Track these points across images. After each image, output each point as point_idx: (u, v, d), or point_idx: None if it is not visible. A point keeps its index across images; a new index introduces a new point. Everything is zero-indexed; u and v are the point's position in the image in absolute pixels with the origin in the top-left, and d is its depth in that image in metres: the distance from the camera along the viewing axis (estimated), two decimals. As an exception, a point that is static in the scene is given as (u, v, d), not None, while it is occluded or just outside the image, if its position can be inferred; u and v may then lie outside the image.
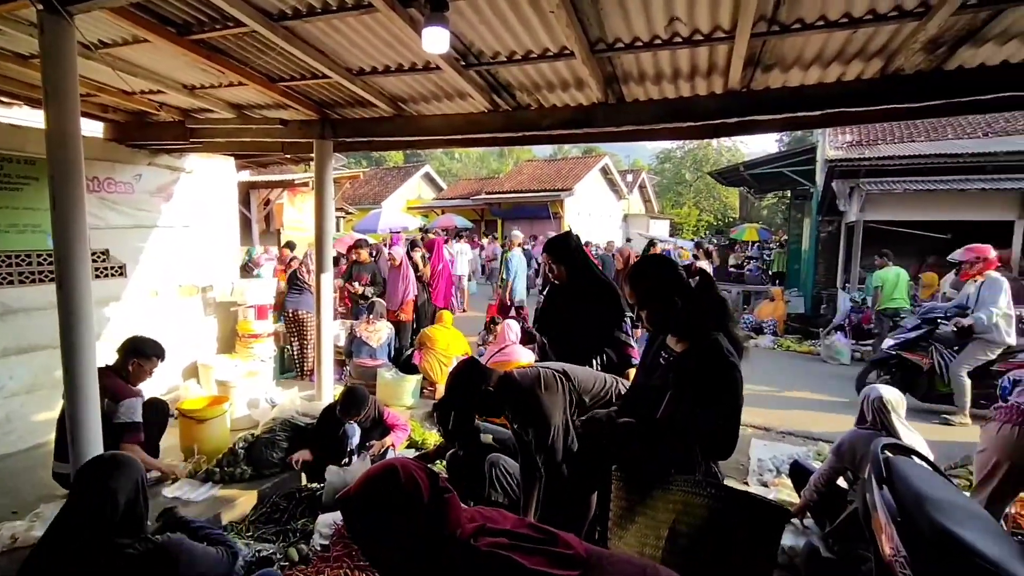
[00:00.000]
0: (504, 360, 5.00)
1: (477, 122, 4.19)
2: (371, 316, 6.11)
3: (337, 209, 14.75)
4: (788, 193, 17.10)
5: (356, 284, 7.22)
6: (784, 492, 3.74)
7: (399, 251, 7.10)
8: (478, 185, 25.56)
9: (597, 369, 2.97)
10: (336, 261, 7.51)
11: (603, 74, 3.42)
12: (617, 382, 2.61)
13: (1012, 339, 5.33)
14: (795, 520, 3.29)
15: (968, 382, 5.43)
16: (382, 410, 4.05)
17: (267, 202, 11.34)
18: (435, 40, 2.62)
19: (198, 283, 5.81)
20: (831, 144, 10.93)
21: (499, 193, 22.30)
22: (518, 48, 3.18)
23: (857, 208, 9.74)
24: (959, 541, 1.74)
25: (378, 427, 3.99)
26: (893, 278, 8.02)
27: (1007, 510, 2.93)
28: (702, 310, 1.96)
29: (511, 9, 2.75)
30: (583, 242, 4.15)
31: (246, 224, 10.93)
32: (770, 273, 16.08)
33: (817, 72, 3.18)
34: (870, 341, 8.57)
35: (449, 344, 5.91)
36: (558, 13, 2.57)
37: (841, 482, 3.19)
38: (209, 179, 6.01)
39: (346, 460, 3.68)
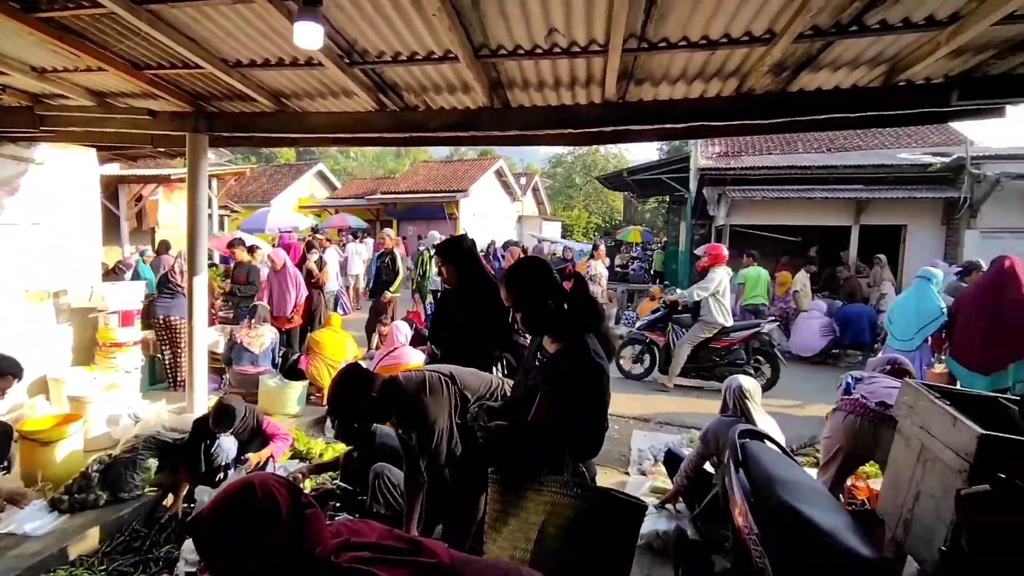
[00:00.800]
0: (393, 364, 4.89)
1: (364, 121, 4.08)
2: (253, 320, 5.70)
3: (221, 207, 13.75)
4: (667, 198, 18.42)
5: (229, 283, 6.76)
6: (660, 479, 3.96)
7: (281, 254, 6.63)
8: (373, 185, 24.91)
9: (500, 375, 2.99)
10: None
11: (488, 79, 3.46)
12: (503, 383, 2.63)
13: (724, 320, 6.60)
14: (668, 506, 3.49)
15: (684, 355, 6.68)
16: (261, 420, 3.83)
17: (139, 198, 10.31)
18: (308, 35, 2.52)
19: (49, 287, 5.11)
20: (702, 154, 12.08)
21: (395, 193, 21.96)
22: (403, 49, 3.14)
23: (724, 213, 10.71)
24: (800, 515, 1.93)
25: (256, 438, 3.77)
26: (754, 276, 8.85)
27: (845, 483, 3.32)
28: (574, 312, 1.99)
29: (394, 9, 2.70)
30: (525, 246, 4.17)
31: (114, 222, 9.93)
32: (651, 272, 17.21)
33: (683, 88, 3.44)
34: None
35: (338, 348, 5.68)
36: (440, 16, 2.57)
37: (708, 467, 3.43)
38: (64, 171, 5.36)
39: (221, 476, 3.44)
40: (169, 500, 3.50)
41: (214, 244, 9.45)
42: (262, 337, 5.58)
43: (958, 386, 4.24)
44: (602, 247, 10.00)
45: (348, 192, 25.63)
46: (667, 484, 3.75)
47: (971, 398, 2.36)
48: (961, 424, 1.91)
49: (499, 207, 25.17)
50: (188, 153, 4.39)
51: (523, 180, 29.24)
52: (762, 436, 2.74)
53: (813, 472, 3.99)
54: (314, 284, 7.31)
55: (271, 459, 3.75)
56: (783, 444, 3.01)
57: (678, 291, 7.30)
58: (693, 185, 12.75)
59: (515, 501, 1.83)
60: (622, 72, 3.24)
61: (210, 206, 12.18)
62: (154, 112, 4.27)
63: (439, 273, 3.27)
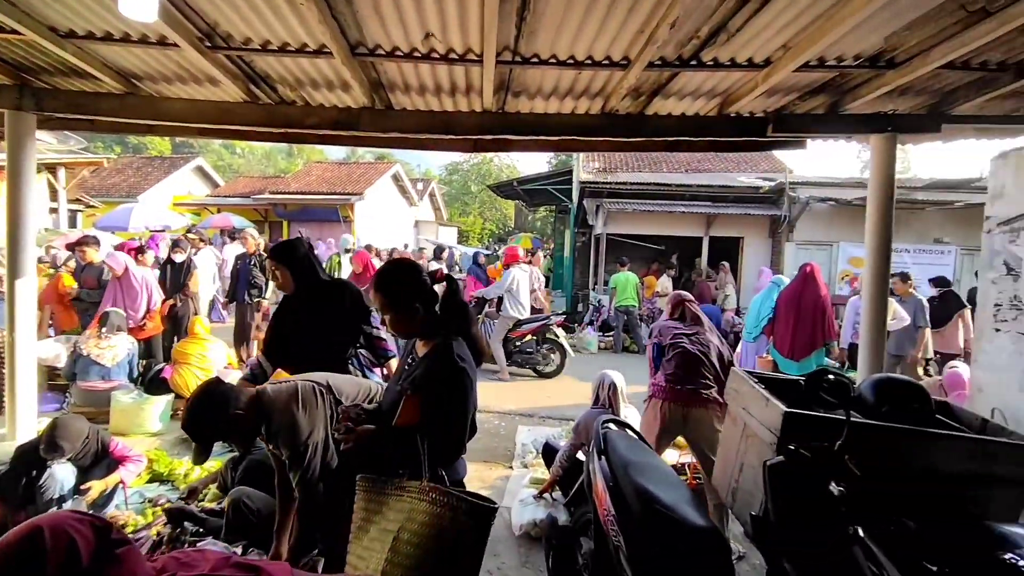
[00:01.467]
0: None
1: (231, 112, 3.84)
2: (104, 330, 5.05)
3: (71, 200, 12.13)
4: (555, 207, 19.34)
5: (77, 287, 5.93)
6: (539, 471, 4.16)
7: (121, 258, 5.82)
8: (261, 184, 23.20)
9: (356, 370, 2.93)
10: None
11: (368, 79, 3.43)
12: (381, 389, 2.59)
13: (517, 314, 7.45)
14: (545, 495, 3.68)
15: (500, 347, 7.37)
16: (108, 442, 3.41)
17: None
18: (137, 6, 2.31)
19: None
20: (583, 169, 13.12)
21: (285, 193, 20.62)
22: (272, 37, 3.01)
23: (602, 222, 11.64)
24: (647, 493, 2.13)
25: (100, 464, 3.34)
26: (623, 280, 9.67)
27: (691, 459, 3.71)
28: (445, 315, 1.98)
29: None
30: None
31: None
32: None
33: (556, 103, 3.69)
34: (611, 333, 10.12)
35: (206, 355, 5.25)
36: (308, 6, 2.49)
37: (581, 455, 3.65)
38: None
39: (54, 510, 2.98)
40: None
41: (64, 243, 8.23)
42: (115, 348, 4.97)
43: (779, 371, 4.99)
44: (539, 253, 10.51)
45: (232, 190, 23.60)
46: (546, 475, 3.93)
47: (786, 382, 2.77)
48: (772, 404, 2.25)
49: (396, 211, 24.64)
50: (7, 134, 3.83)
51: (420, 185, 28.94)
52: (623, 425, 2.98)
53: (673, 452, 4.44)
54: (183, 287, 6.62)
55: (121, 485, 3.37)
56: (640, 432, 3.32)
57: (483, 290, 8.16)
58: (575, 196, 13.61)
59: (377, 508, 1.80)
60: (499, 83, 3.40)
61: (56, 199, 10.79)
62: None
63: (273, 278, 2.99)
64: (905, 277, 6.61)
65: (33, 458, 3.09)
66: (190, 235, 11.67)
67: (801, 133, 3.79)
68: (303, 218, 20.40)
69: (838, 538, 1.49)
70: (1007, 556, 1.22)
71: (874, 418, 2.12)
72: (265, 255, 7.34)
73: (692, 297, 3.65)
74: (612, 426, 2.83)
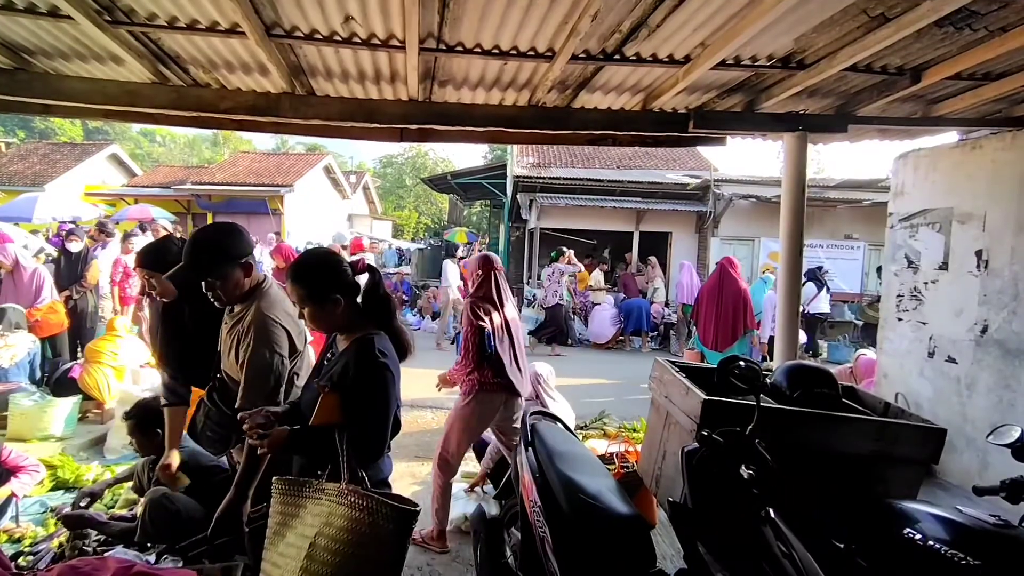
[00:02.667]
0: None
1: (137, 94, 3.55)
2: (0, 327, 4.63)
3: None
4: (490, 202, 19.37)
5: None
6: (470, 464, 4.13)
7: (10, 251, 5.39)
8: (183, 173, 21.82)
9: None
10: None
11: (287, 63, 3.26)
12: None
13: None
14: (476, 489, 3.66)
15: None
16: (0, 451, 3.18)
17: None
18: None
19: None
20: (517, 163, 13.21)
21: (209, 184, 19.52)
22: (179, 14, 2.78)
23: (535, 217, 11.78)
24: (571, 482, 2.14)
25: None
26: None
27: (619, 449, 3.79)
28: (366, 308, 1.92)
29: None
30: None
31: None
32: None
33: (483, 94, 3.63)
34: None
35: (119, 353, 4.92)
36: (214, -21, 2.33)
37: (511, 448, 3.66)
38: None
39: None
40: None
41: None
42: (13, 348, 4.56)
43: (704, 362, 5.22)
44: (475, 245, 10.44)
45: (151, 180, 22.04)
46: (477, 469, 3.92)
47: (708, 371, 2.87)
48: (692, 392, 2.32)
49: (328, 204, 23.94)
50: None
51: (353, 178, 28.20)
52: (552, 417, 3.00)
53: (600, 442, 4.53)
54: (81, 280, 6.15)
55: (13, 497, 3.15)
56: (569, 423, 3.35)
57: None
58: (510, 191, 13.69)
59: (294, 512, 1.70)
60: (425, 72, 3.31)
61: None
62: None
63: (149, 288, 2.62)
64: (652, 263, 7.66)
65: None
66: (86, 227, 10.78)
67: (720, 130, 3.93)
68: (229, 210, 19.50)
69: (749, 519, 1.54)
70: (906, 532, 1.29)
71: (788, 404, 2.23)
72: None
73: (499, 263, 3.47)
74: (541, 418, 2.85)
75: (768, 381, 2.28)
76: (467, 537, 3.27)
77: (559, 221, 12.22)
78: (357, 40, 2.96)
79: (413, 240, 30.49)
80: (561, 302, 9.21)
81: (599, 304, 10.11)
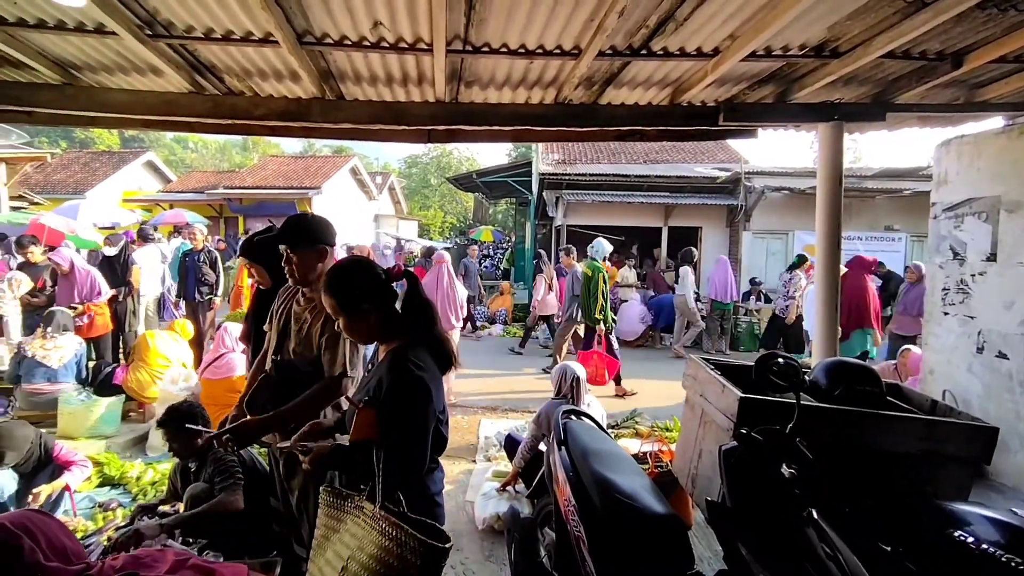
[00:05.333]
0: (222, 376, 4.45)
1: (176, 103, 3.69)
2: (49, 330, 4.82)
3: (15, 198, 11.64)
4: (515, 200, 19.39)
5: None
6: (502, 464, 4.15)
7: (66, 254, 5.64)
8: (216, 178, 22.44)
9: None
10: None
11: (318, 69, 3.34)
12: None
13: None
14: (508, 488, 3.67)
15: None
16: (51, 446, 3.30)
17: None
18: None
19: None
20: (543, 160, 13.11)
21: (240, 188, 20.03)
22: (215, 25, 2.88)
23: (562, 214, 11.69)
24: (606, 481, 2.13)
25: (44, 470, 3.24)
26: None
27: (652, 448, 3.75)
28: (404, 316, 1.83)
29: None
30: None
31: None
32: (501, 270, 17.99)
33: (509, 93, 3.65)
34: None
35: (169, 356, 5.04)
36: (250, -10, 2.39)
37: (543, 447, 3.65)
38: None
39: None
40: None
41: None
42: (62, 349, 4.74)
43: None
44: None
45: (185, 185, 22.74)
46: (509, 468, 3.92)
47: (743, 368, 2.82)
48: (728, 389, 2.28)
49: (355, 205, 24.27)
50: None
51: (379, 179, 28.53)
52: (583, 415, 2.98)
53: (632, 441, 4.49)
54: (127, 283, 6.39)
55: (67, 491, 3.26)
56: (601, 421, 3.33)
57: None
58: (535, 188, 13.62)
59: (335, 526, 1.67)
60: (451, 73, 3.34)
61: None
62: None
63: (250, 275, 2.97)
64: (568, 251, 7.86)
65: None
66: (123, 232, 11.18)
67: (751, 122, 3.86)
68: (259, 213, 19.91)
69: (792, 520, 1.51)
70: (957, 534, 1.24)
71: (828, 401, 2.17)
72: (215, 251, 7.14)
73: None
74: (573, 417, 2.84)
75: (807, 379, 2.23)
76: (500, 536, 3.27)
77: (586, 218, 12.05)
78: (385, 44, 3.01)
79: (441, 239, 30.63)
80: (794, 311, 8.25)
81: (627, 301, 10.01)
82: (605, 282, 6.36)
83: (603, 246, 6.77)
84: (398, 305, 1.87)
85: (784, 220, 11.31)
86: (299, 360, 2.29)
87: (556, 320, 8.32)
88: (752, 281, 10.26)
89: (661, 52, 3.02)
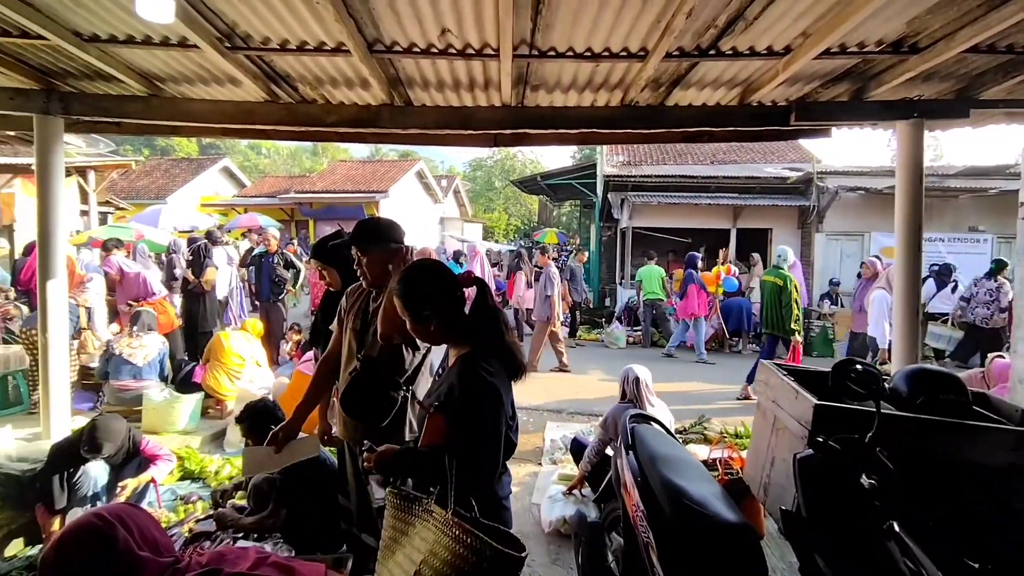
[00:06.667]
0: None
1: (253, 112, 3.88)
2: (135, 328, 5.18)
3: (103, 203, 12.32)
4: (579, 202, 19.29)
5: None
6: (568, 467, 4.13)
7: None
8: (287, 183, 23.54)
9: None
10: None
11: (387, 76, 3.45)
12: None
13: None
14: (575, 491, 3.67)
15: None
16: (139, 440, 3.46)
17: None
18: (153, 7, 2.32)
19: None
20: (607, 162, 13.04)
21: (310, 192, 20.86)
22: (290, 37, 3.03)
23: (627, 216, 11.59)
24: (675, 487, 2.09)
25: (132, 462, 3.40)
26: (647, 274, 9.57)
27: (722, 455, 3.66)
28: (474, 323, 1.81)
29: None
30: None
31: None
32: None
33: (575, 96, 3.65)
34: (640, 328, 10.05)
35: (243, 355, 5.28)
36: (324, 5, 2.50)
37: (610, 451, 3.62)
38: None
39: (89, 508, 3.04)
40: (15, 546, 3.04)
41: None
42: (146, 348, 5.05)
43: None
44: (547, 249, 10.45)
45: (259, 190, 24.03)
46: (575, 471, 3.91)
47: (817, 374, 2.70)
48: (801, 396, 2.20)
49: (420, 208, 24.76)
50: (36, 139, 3.85)
51: (444, 182, 28.92)
52: (650, 419, 2.95)
53: (701, 447, 4.39)
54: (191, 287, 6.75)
55: (153, 483, 3.43)
56: (668, 425, 3.27)
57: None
58: (600, 190, 13.54)
59: (404, 529, 1.67)
60: (517, 77, 3.38)
61: (87, 202, 10.99)
62: None
63: (320, 278, 3.00)
64: (544, 250, 7.95)
65: (69, 456, 3.15)
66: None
67: (825, 121, 3.71)
68: (329, 217, 20.57)
69: (872, 533, 1.45)
70: (1048, 552, 1.16)
71: (909, 410, 2.05)
72: (288, 253, 7.52)
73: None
74: (640, 421, 2.81)
75: (887, 386, 2.12)
76: (566, 540, 3.26)
77: (651, 220, 11.88)
78: (453, 51, 3.08)
79: (505, 241, 30.81)
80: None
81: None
82: (798, 290, 6.13)
83: (788, 254, 6.50)
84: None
85: (860, 221, 10.73)
86: (383, 356, 2.35)
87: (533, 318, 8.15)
88: (831, 282, 9.85)
89: (730, 52, 2.96)
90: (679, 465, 2.27)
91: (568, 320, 9.69)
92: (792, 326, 5.96)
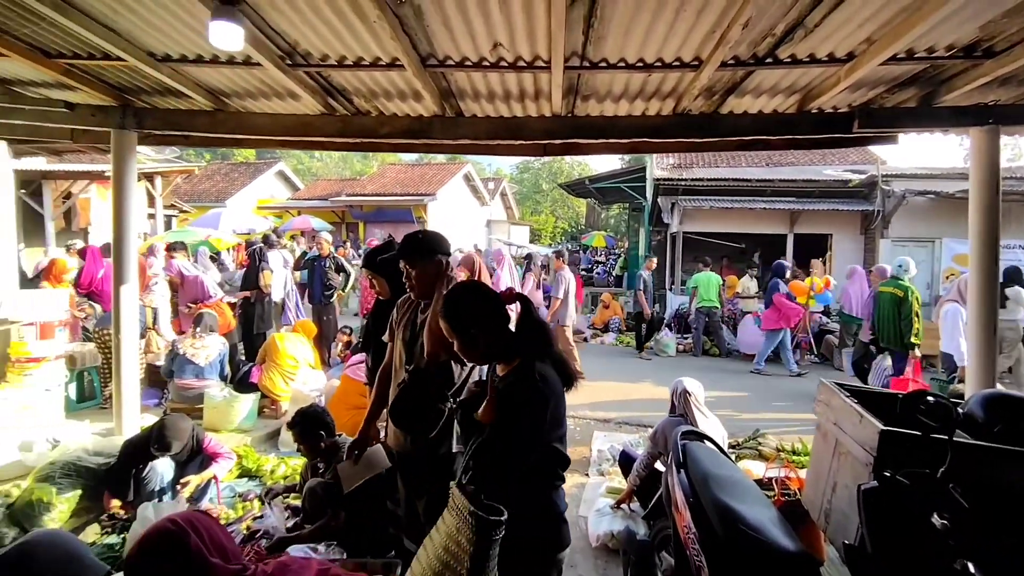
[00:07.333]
0: (359, 378, 4.78)
1: (310, 124, 4.02)
2: (198, 330, 5.45)
3: (168, 206, 13.12)
4: (628, 204, 19.01)
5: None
6: (616, 480, 4.07)
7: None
8: (339, 186, 24.24)
9: None
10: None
11: (439, 88, 3.51)
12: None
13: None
14: (623, 506, 3.61)
15: None
16: (202, 438, 3.62)
17: (68, 196, 9.72)
18: (225, 35, 2.41)
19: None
20: (657, 165, 12.74)
21: (361, 195, 21.41)
22: (348, 53, 3.13)
23: (677, 220, 11.28)
24: (730, 511, 2.03)
25: (196, 459, 3.56)
26: (706, 280, 9.26)
27: (778, 474, 3.52)
28: (521, 337, 1.85)
29: (334, 13, 2.67)
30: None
31: (38, 221, 9.36)
32: (614, 276, 17.72)
33: (626, 105, 3.61)
34: (690, 335, 9.78)
35: (297, 356, 5.47)
36: (381, 23, 2.57)
37: (659, 466, 3.54)
38: None
39: (157, 502, 3.18)
40: (90, 532, 3.20)
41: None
42: (208, 348, 5.29)
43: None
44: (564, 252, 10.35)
45: (311, 193, 24.84)
46: (623, 484, 3.85)
47: (881, 395, 2.57)
48: (866, 420, 2.09)
49: (468, 211, 25.03)
50: (113, 152, 4.08)
51: (491, 185, 29.06)
52: (702, 436, 2.87)
53: (755, 463, 4.24)
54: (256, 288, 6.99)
55: (214, 480, 3.59)
56: (722, 443, 3.18)
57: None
58: (650, 194, 13.26)
59: (444, 518, 1.70)
60: (568, 88, 3.37)
61: (153, 205, 11.65)
62: (72, 105, 3.97)
63: (370, 286, 3.13)
64: (559, 254, 7.97)
65: (139, 453, 3.32)
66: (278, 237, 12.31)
67: (891, 128, 3.52)
68: (378, 219, 21.04)
69: (944, 573, 1.37)
70: None
71: (986, 439, 1.93)
72: (340, 257, 7.77)
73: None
74: (691, 438, 2.74)
75: (961, 412, 1.99)
76: (614, 555, 3.21)
77: (703, 224, 11.51)
78: (504, 64, 3.11)
79: (550, 245, 30.69)
80: None
81: (749, 312, 9.42)
82: (919, 302, 5.96)
83: (909, 264, 6.28)
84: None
85: (929, 226, 10.06)
86: (431, 367, 2.40)
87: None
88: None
89: (788, 60, 2.86)
90: (734, 487, 2.20)
91: (645, 332, 9.46)
92: (912, 340, 5.73)
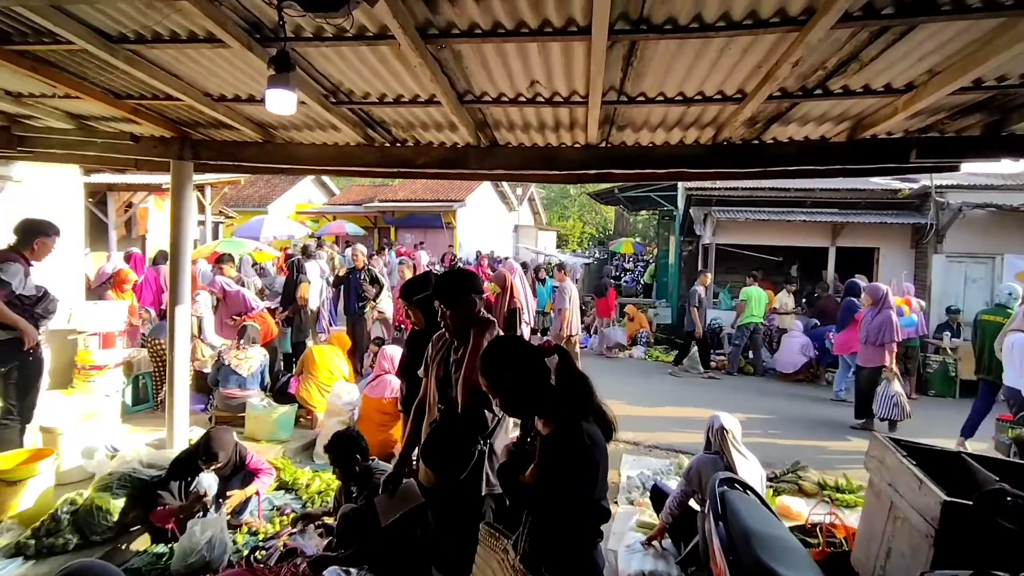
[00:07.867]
0: (377, 395, 4.84)
1: (350, 154, 4.14)
2: (242, 341, 5.62)
3: (216, 214, 13.69)
4: (658, 211, 18.62)
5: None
6: (647, 513, 3.97)
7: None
8: (372, 192, 24.73)
9: None
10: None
11: (474, 120, 3.54)
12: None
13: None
14: (654, 543, 3.52)
15: None
16: (245, 454, 3.74)
17: (129, 206, 10.28)
18: (280, 102, 2.51)
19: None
20: None
21: (392, 201, 21.87)
22: (388, 92, 3.21)
23: (710, 232, 10.92)
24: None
25: (238, 474, 3.68)
26: (756, 296, 8.96)
27: (822, 520, 3.37)
28: (561, 388, 1.83)
29: (379, 61, 2.77)
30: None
31: (102, 228, 9.91)
32: (642, 285, 17.35)
33: (663, 134, 3.53)
34: (723, 351, 9.47)
35: (333, 369, 5.60)
36: (422, 68, 2.62)
37: (693, 504, 3.45)
38: (44, 190, 5.30)
39: (200, 515, 3.32)
40: (141, 542, 3.36)
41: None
42: (251, 359, 5.45)
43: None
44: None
45: (346, 198, 25.37)
46: (654, 519, 3.76)
47: (939, 454, 2.43)
48: (927, 487, 1.97)
49: (496, 217, 25.17)
50: (172, 180, 4.33)
51: (519, 190, 29.20)
52: (742, 485, 2.76)
53: (796, 500, 4.07)
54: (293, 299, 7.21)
55: (256, 496, 3.69)
56: (760, 483, 3.06)
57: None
58: (681, 203, 12.94)
59: (489, 559, 1.76)
60: (604, 119, 3.33)
61: (203, 212, 12.16)
62: (137, 137, 4.27)
63: (406, 315, 3.20)
64: (560, 266, 7.79)
65: (186, 467, 3.48)
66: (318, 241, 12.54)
67: (952, 158, 3.33)
68: (409, 224, 21.51)
69: None
70: None
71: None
72: (373, 269, 7.89)
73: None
74: (731, 487, 2.65)
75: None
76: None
77: (738, 236, 11.12)
78: (540, 100, 3.10)
79: (575, 252, 30.45)
80: None
81: (786, 330, 9.10)
82: None
83: (1018, 291, 6.00)
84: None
85: (989, 241, 9.37)
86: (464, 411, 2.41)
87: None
88: (949, 309, 8.53)
89: (840, 91, 2.73)
90: (778, 548, 2.11)
91: (697, 351, 9.12)
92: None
